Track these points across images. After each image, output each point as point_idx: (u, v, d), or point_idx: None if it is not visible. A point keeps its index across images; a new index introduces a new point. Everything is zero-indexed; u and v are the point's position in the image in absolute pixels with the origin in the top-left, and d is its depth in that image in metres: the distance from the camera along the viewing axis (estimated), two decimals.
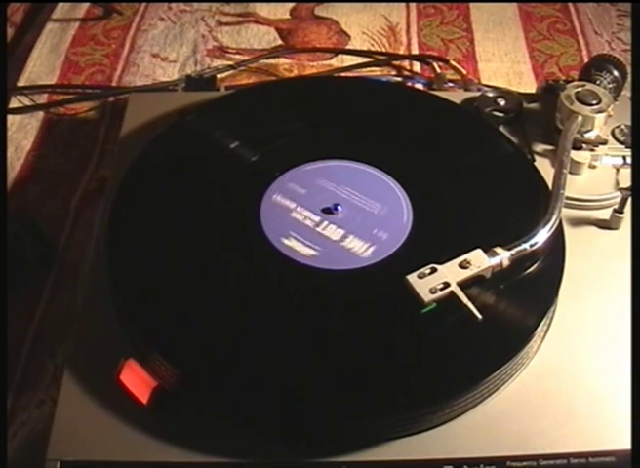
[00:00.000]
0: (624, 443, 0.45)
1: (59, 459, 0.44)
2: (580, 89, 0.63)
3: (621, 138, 0.63)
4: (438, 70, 0.80)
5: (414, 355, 0.48)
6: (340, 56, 0.87)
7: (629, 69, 0.67)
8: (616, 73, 0.66)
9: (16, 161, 0.74)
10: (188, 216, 0.56)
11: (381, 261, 0.53)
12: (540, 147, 0.63)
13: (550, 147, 0.63)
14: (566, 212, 0.56)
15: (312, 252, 0.53)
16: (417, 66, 0.85)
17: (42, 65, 0.85)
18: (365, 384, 0.46)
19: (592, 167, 0.62)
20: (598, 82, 0.65)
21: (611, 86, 0.65)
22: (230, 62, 0.84)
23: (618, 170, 0.62)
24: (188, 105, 0.67)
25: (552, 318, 0.51)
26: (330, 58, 0.87)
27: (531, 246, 0.51)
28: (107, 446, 0.45)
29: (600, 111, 0.61)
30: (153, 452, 0.45)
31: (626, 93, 0.68)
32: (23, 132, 0.77)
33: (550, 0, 0.95)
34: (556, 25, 0.91)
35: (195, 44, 0.88)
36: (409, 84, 0.81)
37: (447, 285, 0.48)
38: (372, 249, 0.53)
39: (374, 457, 0.45)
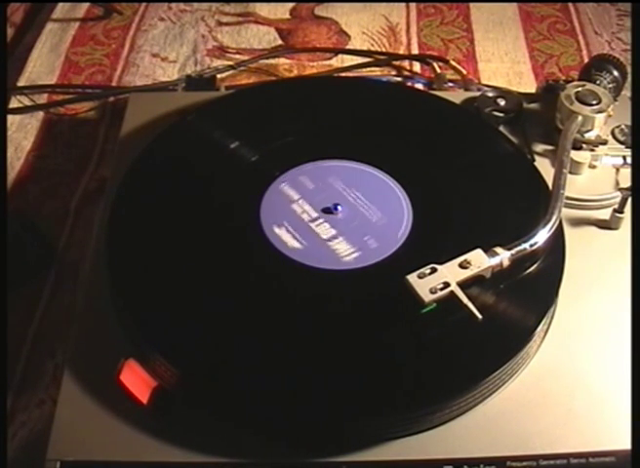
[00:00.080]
0: (624, 443, 0.45)
1: (59, 459, 0.44)
2: (579, 89, 0.63)
3: (621, 138, 0.63)
4: (438, 70, 0.80)
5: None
6: (340, 56, 0.87)
7: (629, 69, 0.67)
8: (616, 73, 0.66)
9: (16, 161, 0.74)
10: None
11: (360, 269, 0.52)
12: (540, 147, 0.63)
13: (550, 147, 0.63)
14: (566, 212, 0.56)
15: (297, 245, 0.53)
16: (417, 66, 0.85)
17: (42, 65, 0.85)
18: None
19: (592, 167, 0.62)
20: (598, 82, 0.65)
21: (611, 86, 0.65)
22: (230, 62, 0.84)
23: (618, 170, 0.62)
24: (188, 105, 0.67)
25: (552, 318, 0.51)
26: (330, 58, 0.87)
27: (531, 246, 0.51)
28: (107, 446, 0.45)
29: (600, 111, 0.61)
30: (153, 452, 0.45)
31: (626, 93, 0.68)
32: (23, 132, 0.77)
33: (550, 0, 0.95)
34: (556, 25, 0.91)
35: (195, 44, 0.88)
36: (409, 84, 0.81)
37: (447, 285, 0.48)
38: (356, 254, 0.53)
39: (374, 457, 0.45)
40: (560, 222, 0.54)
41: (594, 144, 0.62)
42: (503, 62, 0.86)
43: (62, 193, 0.71)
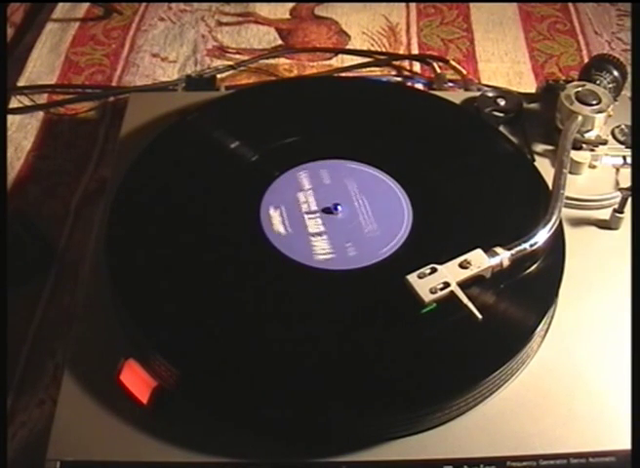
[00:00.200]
0: (624, 443, 0.45)
1: (59, 459, 0.44)
2: (580, 89, 0.63)
3: (621, 138, 0.63)
4: (438, 70, 0.80)
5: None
6: (340, 56, 0.87)
7: (629, 69, 0.67)
8: (616, 73, 0.66)
9: (16, 161, 0.74)
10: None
11: (324, 270, 0.52)
12: (540, 147, 0.63)
13: (550, 147, 0.63)
14: (566, 212, 0.56)
15: (282, 230, 0.54)
16: (417, 66, 0.85)
17: (42, 65, 0.85)
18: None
19: (592, 167, 0.62)
20: (598, 82, 0.65)
21: (611, 86, 0.65)
22: (230, 62, 0.84)
23: (618, 170, 0.62)
24: (188, 105, 0.67)
25: (552, 318, 0.51)
26: (330, 58, 0.87)
27: (531, 246, 0.51)
28: (107, 446, 0.45)
29: (600, 111, 0.61)
30: (153, 452, 0.45)
31: (626, 93, 0.68)
32: (23, 132, 0.77)
33: (550, 0, 0.95)
34: (556, 25, 0.91)
35: (195, 44, 0.88)
36: (409, 84, 0.81)
37: (447, 285, 0.48)
38: (329, 256, 0.53)
39: (374, 457, 0.45)
40: (560, 222, 0.54)
41: (594, 144, 0.62)
42: (503, 62, 0.86)
43: (62, 193, 0.71)
